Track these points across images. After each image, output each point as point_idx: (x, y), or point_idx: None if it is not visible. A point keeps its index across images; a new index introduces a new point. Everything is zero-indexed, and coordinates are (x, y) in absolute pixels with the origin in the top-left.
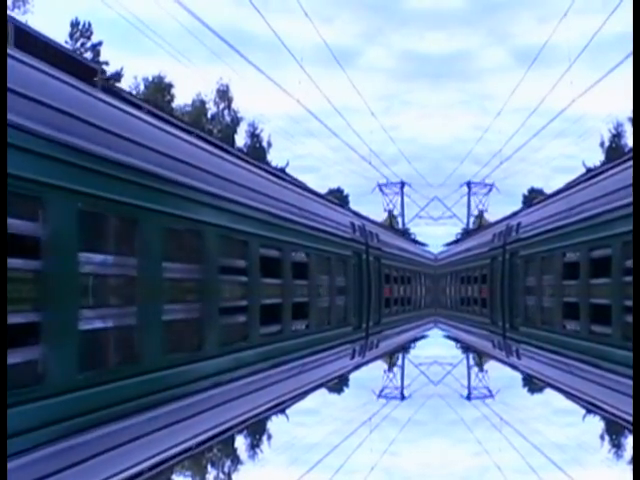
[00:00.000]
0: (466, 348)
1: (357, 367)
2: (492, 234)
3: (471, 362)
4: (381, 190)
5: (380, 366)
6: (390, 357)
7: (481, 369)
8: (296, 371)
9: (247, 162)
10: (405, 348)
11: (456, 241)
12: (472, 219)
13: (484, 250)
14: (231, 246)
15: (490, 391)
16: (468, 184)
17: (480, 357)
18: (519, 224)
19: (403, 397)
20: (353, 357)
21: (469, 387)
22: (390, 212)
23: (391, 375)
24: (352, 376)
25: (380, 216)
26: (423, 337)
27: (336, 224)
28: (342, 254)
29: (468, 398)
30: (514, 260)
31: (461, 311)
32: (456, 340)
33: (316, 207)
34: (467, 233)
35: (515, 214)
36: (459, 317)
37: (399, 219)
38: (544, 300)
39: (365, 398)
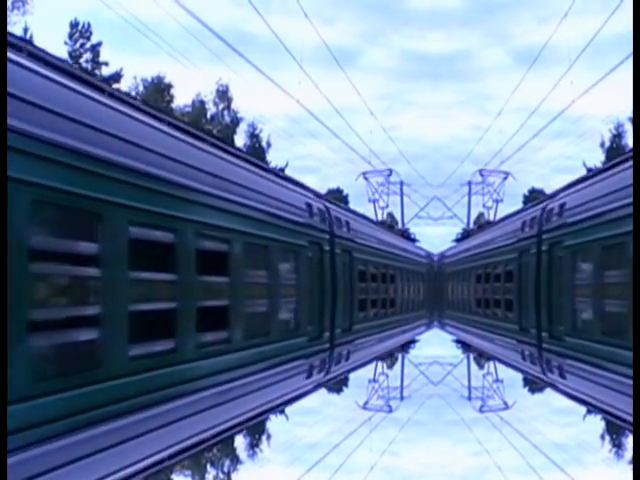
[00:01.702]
0: (481, 359)
1: (311, 390)
2: (520, 222)
3: (487, 370)
4: (366, 179)
5: (348, 384)
6: (365, 371)
7: (497, 379)
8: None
9: None
10: (388, 358)
11: (466, 236)
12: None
13: (509, 242)
14: None
15: (505, 404)
16: (468, 184)
17: (489, 362)
18: (563, 206)
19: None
20: (309, 376)
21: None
22: (375, 202)
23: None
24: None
25: (380, 215)
26: (413, 344)
27: (281, 203)
28: (290, 243)
29: (479, 409)
30: (555, 252)
31: (476, 314)
32: (466, 349)
33: (246, 177)
34: (480, 227)
35: (554, 195)
36: (473, 322)
37: (399, 219)
38: (602, 303)
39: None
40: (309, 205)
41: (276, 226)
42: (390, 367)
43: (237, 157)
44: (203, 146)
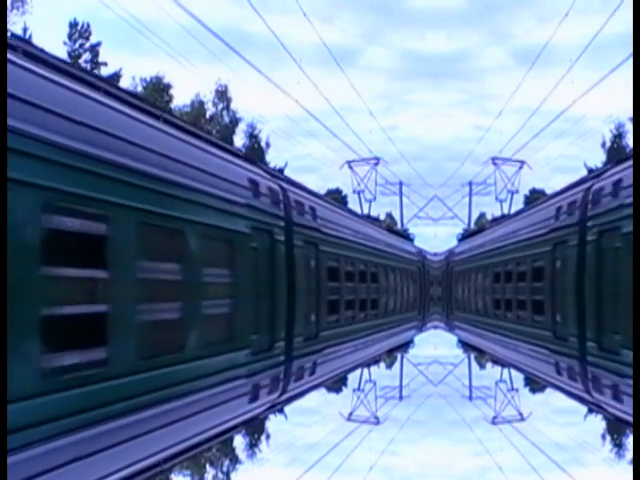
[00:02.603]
0: (503, 369)
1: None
2: (553, 209)
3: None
4: (350, 168)
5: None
6: (332, 389)
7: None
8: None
9: None
10: (363, 369)
11: (478, 231)
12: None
13: (537, 234)
14: None
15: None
16: (469, 184)
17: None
18: (618, 184)
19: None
20: (254, 399)
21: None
22: (360, 193)
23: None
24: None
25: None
26: (400, 349)
27: (207, 176)
28: (219, 228)
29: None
30: (608, 241)
31: (494, 317)
32: (482, 357)
33: (151, 137)
34: (495, 220)
35: (601, 173)
36: (490, 326)
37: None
38: None
39: None
40: (254, 183)
41: (198, 204)
42: (363, 382)
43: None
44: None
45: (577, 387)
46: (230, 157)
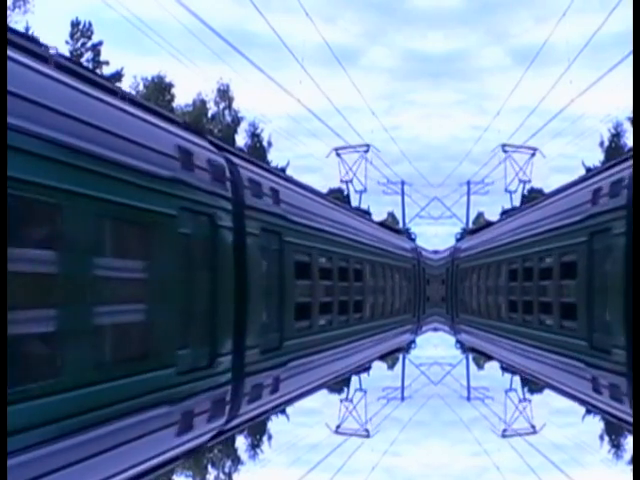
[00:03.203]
0: (526, 386)
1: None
2: (589, 193)
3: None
4: (338, 155)
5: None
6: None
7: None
8: None
9: None
10: (339, 387)
11: (488, 224)
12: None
13: (569, 222)
14: None
15: None
16: (467, 184)
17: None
18: None
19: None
20: (182, 434)
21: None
22: (347, 183)
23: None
24: None
25: (382, 216)
26: (387, 360)
27: (103, 136)
28: (122, 206)
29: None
30: None
31: (510, 322)
32: (498, 374)
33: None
34: (505, 213)
35: None
36: (505, 331)
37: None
38: None
39: None
40: (187, 154)
41: (87, 172)
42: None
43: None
44: None
45: (625, 411)
46: (160, 123)
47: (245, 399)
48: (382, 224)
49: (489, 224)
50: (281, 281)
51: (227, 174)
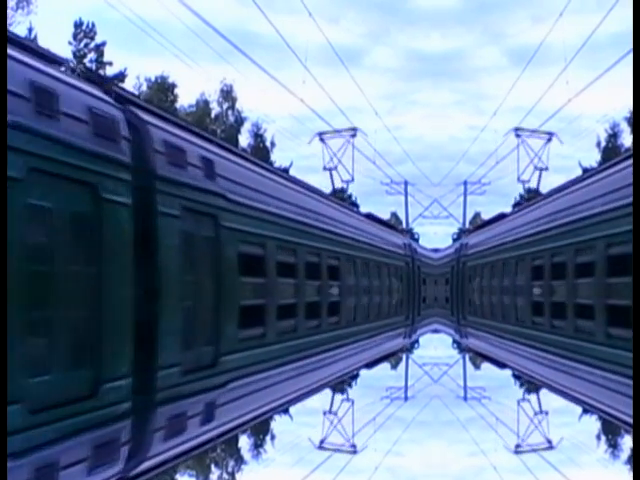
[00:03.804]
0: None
1: None
2: None
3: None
4: (322, 140)
5: None
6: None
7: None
8: None
9: None
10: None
11: (501, 217)
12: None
13: (614, 206)
14: None
15: None
16: (464, 184)
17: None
18: None
19: None
20: None
21: None
22: (331, 170)
23: None
24: None
25: (386, 215)
26: (380, 365)
27: None
28: None
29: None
30: None
31: (535, 328)
32: (525, 393)
33: None
34: (516, 205)
35: None
36: (529, 339)
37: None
38: None
39: None
40: (54, 99)
41: None
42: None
43: None
44: None
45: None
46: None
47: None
48: (370, 216)
49: (502, 215)
50: (217, 279)
51: (126, 133)
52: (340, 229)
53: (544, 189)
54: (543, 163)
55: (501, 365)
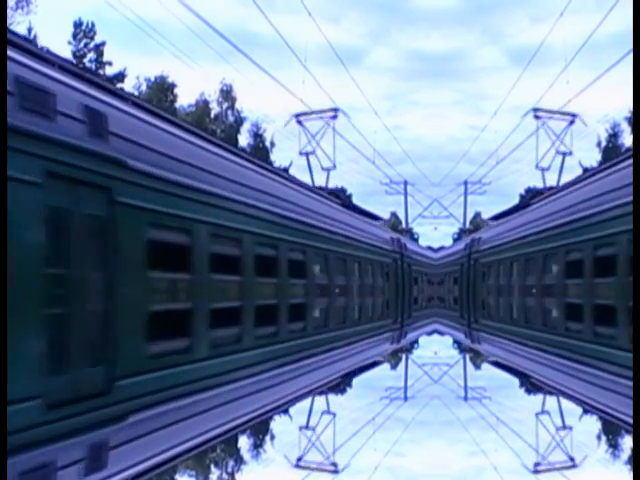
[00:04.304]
0: None
1: None
2: None
3: None
4: (299, 122)
5: None
6: None
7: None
8: None
9: None
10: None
11: (519, 206)
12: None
13: None
14: None
15: None
16: (465, 184)
17: None
18: None
19: None
20: None
21: None
22: (307, 155)
23: None
24: None
25: (385, 215)
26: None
27: None
28: None
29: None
30: None
31: (573, 337)
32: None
33: None
34: (537, 194)
35: None
36: (565, 350)
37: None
38: None
39: None
40: None
41: None
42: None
43: None
44: None
45: None
46: None
47: None
48: (350, 206)
49: (522, 205)
50: (111, 274)
51: None
52: (308, 217)
53: (552, 182)
54: (566, 147)
55: (521, 375)
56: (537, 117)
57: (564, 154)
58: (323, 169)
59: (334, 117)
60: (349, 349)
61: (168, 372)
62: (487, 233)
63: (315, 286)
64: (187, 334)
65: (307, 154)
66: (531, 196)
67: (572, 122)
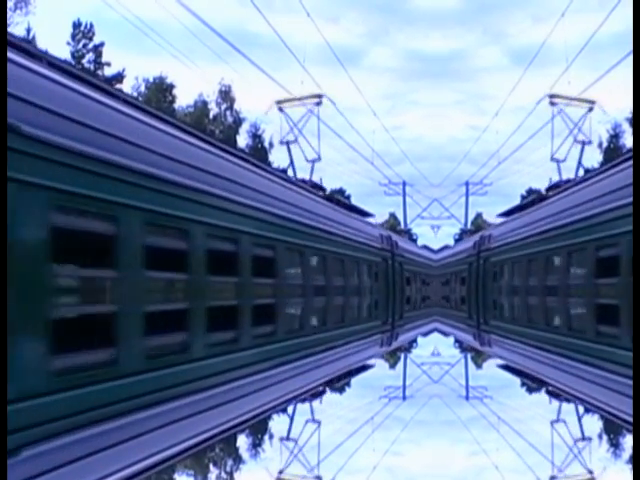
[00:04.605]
0: None
1: None
2: None
3: None
4: (281, 110)
5: None
6: None
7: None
8: None
9: None
10: None
11: (538, 199)
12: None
13: None
14: None
15: None
16: (466, 184)
17: None
18: None
19: None
20: None
21: None
22: (288, 144)
23: None
24: None
25: (384, 216)
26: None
27: None
28: None
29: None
30: None
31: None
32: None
33: None
34: (554, 187)
35: None
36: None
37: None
38: None
39: None
40: None
41: None
42: None
43: None
44: None
45: None
46: None
47: None
48: (331, 198)
49: (538, 199)
50: None
51: None
52: (281, 209)
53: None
54: (585, 136)
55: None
56: (553, 104)
57: (583, 143)
58: (307, 160)
59: (318, 104)
60: (328, 354)
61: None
62: (498, 230)
63: (287, 286)
64: (102, 343)
65: (288, 143)
66: (549, 188)
67: (591, 109)
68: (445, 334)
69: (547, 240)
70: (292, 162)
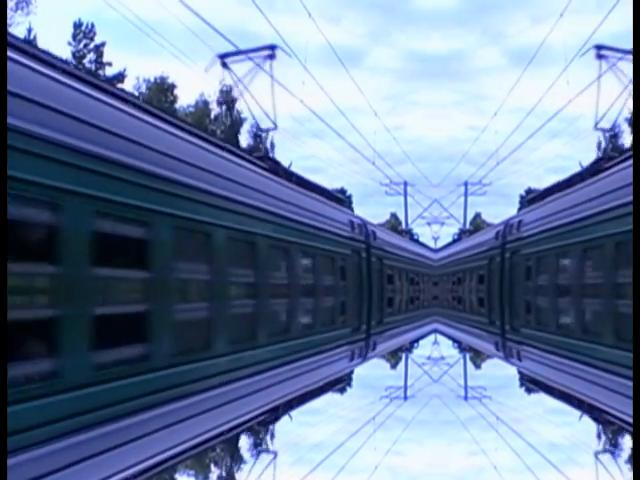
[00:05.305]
0: None
1: None
2: None
3: None
4: (224, 65)
5: None
6: None
7: None
8: None
9: None
10: None
11: (590, 172)
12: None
13: None
14: None
15: None
16: (465, 184)
17: None
18: None
19: None
20: None
21: None
22: (227, 103)
23: None
24: None
25: (384, 216)
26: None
27: None
28: None
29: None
30: None
31: None
32: None
33: None
34: (598, 162)
35: None
36: None
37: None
38: None
39: None
40: None
41: None
42: None
43: None
44: None
45: None
46: None
47: None
48: (283, 173)
49: (590, 172)
50: None
51: None
52: (222, 188)
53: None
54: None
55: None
56: (601, 56)
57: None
58: (261, 130)
59: (271, 57)
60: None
61: None
62: (532, 215)
63: (225, 283)
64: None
65: (226, 103)
66: (601, 158)
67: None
68: (448, 341)
69: (605, 223)
70: (233, 123)
